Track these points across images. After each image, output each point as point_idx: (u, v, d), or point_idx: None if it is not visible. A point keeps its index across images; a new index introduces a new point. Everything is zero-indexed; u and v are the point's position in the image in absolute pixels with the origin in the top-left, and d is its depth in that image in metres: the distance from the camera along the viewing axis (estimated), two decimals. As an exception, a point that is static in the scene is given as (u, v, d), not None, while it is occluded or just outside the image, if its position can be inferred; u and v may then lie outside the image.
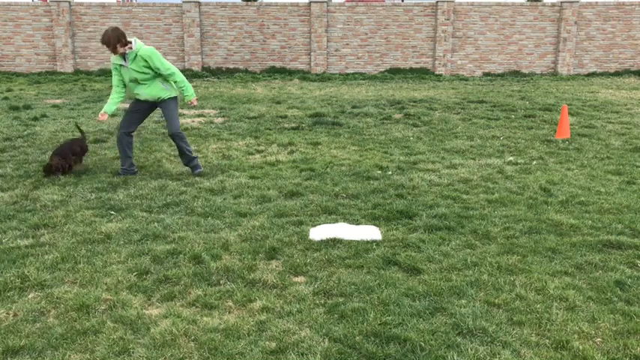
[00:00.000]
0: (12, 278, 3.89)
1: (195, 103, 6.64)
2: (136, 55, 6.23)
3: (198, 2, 19.44)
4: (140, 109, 6.65)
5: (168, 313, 3.47)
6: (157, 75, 6.39)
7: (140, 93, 6.48)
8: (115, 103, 6.52)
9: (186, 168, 6.86)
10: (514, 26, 19.88)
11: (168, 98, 6.52)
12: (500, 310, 3.50)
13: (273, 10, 19.76)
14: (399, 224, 5.01)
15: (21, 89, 15.23)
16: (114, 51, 6.20)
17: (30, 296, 3.70)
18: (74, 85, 16.31)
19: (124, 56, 6.28)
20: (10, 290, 3.77)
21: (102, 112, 6.52)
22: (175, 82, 6.45)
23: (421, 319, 3.38)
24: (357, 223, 5.04)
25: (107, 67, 19.72)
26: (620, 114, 10.91)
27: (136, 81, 6.38)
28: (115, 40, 6.13)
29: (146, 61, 6.25)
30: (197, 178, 6.44)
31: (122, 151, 6.62)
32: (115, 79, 6.45)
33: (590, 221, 5.04)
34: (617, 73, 19.77)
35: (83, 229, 4.86)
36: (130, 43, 6.25)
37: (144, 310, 3.51)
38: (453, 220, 5.06)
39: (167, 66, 6.35)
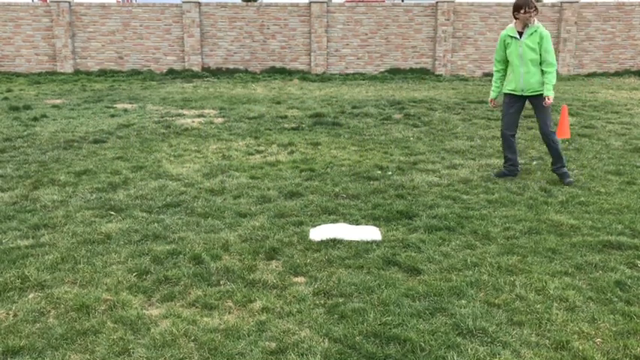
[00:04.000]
0: (12, 278, 3.89)
1: (550, 101, 6.20)
2: (536, 30, 6.09)
3: (198, 2, 19.44)
4: (518, 107, 6.46)
5: (168, 314, 3.47)
6: (539, 62, 6.18)
7: (517, 77, 6.28)
8: (497, 86, 6.56)
9: (186, 169, 6.85)
10: (514, 26, 19.88)
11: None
12: (500, 311, 3.50)
13: (273, 10, 19.76)
14: (399, 224, 5.01)
15: (21, 89, 15.24)
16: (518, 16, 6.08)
17: (30, 296, 3.70)
18: (74, 85, 16.32)
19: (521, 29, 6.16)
20: (10, 290, 3.77)
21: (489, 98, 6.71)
22: (547, 73, 6.15)
23: (421, 320, 3.38)
24: (357, 223, 5.04)
25: (107, 68, 19.74)
26: (620, 114, 10.91)
27: (520, 59, 6.20)
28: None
29: (542, 39, 6.08)
30: (197, 178, 6.43)
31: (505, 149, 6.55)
32: (498, 54, 6.42)
33: (590, 221, 5.04)
34: (617, 74, 19.77)
35: (83, 230, 4.86)
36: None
37: (144, 311, 3.51)
38: (453, 220, 5.06)
39: (553, 54, 6.16)
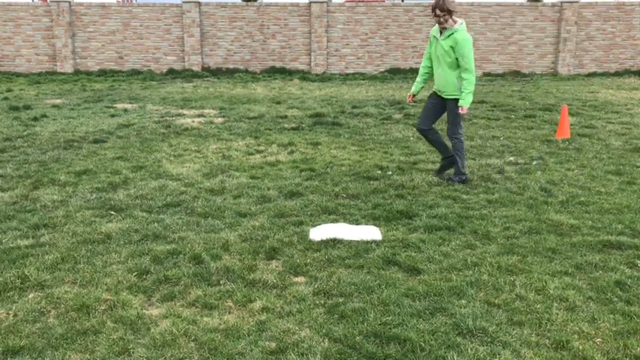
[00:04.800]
0: (12, 278, 3.89)
1: (465, 112, 6.21)
2: (452, 33, 6.03)
3: (199, 2, 19.44)
4: (435, 104, 6.47)
5: (168, 313, 3.47)
6: (457, 66, 6.12)
7: (436, 77, 6.38)
8: (418, 82, 6.66)
9: (186, 169, 6.86)
10: (514, 26, 19.88)
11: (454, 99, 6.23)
12: (500, 310, 3.50)
13: (273, 10, 19.76)
14: (399, 224, 5.01)
15: (21, 89, 15.24)
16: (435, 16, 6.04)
17: (30, 296, 3.70)
18: (74, 85, 16.32)
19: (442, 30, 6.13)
20: (10, 290, 3.77)
21: (409, 93, 6.74)
22: (464, 80, 6.07)
23: (421, 319, 3.38)
24: (357, 223, 5.04)
25: (107, 68, 19.73)
26: (620, 114, 10.91)
27: (438, 60, 6.24)
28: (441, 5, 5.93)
29: (457, 44, 5.98)
30: (197, 178, 6.43)
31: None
32: (426, 52, 6.53)
33: (590, 221, 5.04)
34: (617, 73, 19.77)
35: (83, 229, 4.86)
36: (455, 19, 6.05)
37: (144, 310, 3.52)
38: (453, 220, 5.06)
39: (470, 59, 6.01)
